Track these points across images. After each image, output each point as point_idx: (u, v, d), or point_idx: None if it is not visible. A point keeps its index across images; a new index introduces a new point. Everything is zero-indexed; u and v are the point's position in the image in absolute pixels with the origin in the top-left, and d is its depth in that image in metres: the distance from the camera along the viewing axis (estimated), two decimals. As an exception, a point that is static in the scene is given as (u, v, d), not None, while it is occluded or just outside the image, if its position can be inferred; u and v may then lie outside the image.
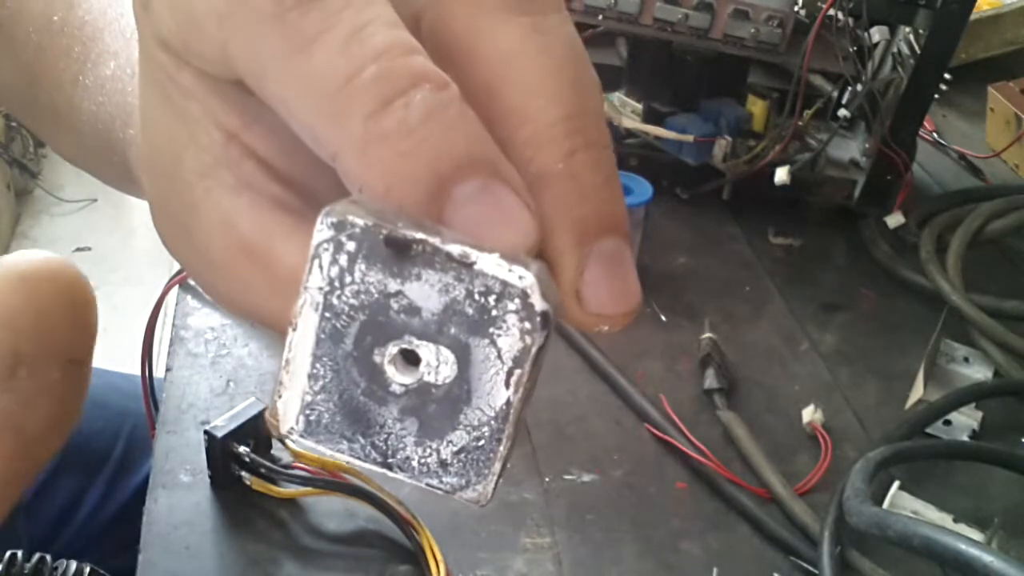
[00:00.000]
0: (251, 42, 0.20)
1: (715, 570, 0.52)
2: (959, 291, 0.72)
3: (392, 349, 0.19)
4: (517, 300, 0.18)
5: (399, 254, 0.18)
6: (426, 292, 0.18)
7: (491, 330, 0.18)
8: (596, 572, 0.51)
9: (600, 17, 0.78)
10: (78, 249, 2.35)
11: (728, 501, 0.56)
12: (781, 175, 0.79)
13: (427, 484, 0.19)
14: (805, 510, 0.54)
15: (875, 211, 0.83)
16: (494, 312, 0.18)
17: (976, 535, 0.52)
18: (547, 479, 0.55)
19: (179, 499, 0.52)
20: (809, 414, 0.62)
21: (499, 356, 0.18)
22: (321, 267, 0.18)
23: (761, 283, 0.77)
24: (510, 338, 0.18)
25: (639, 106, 0.84)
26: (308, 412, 0.19)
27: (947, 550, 0.42)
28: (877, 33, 0.79)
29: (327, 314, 0.19)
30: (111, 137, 0.36)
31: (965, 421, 0.63)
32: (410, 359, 0.19)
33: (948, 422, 0.63)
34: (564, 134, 0.20)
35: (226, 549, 0.50)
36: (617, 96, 0.86)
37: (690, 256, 0.79)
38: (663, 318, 0.71)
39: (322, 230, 0.18)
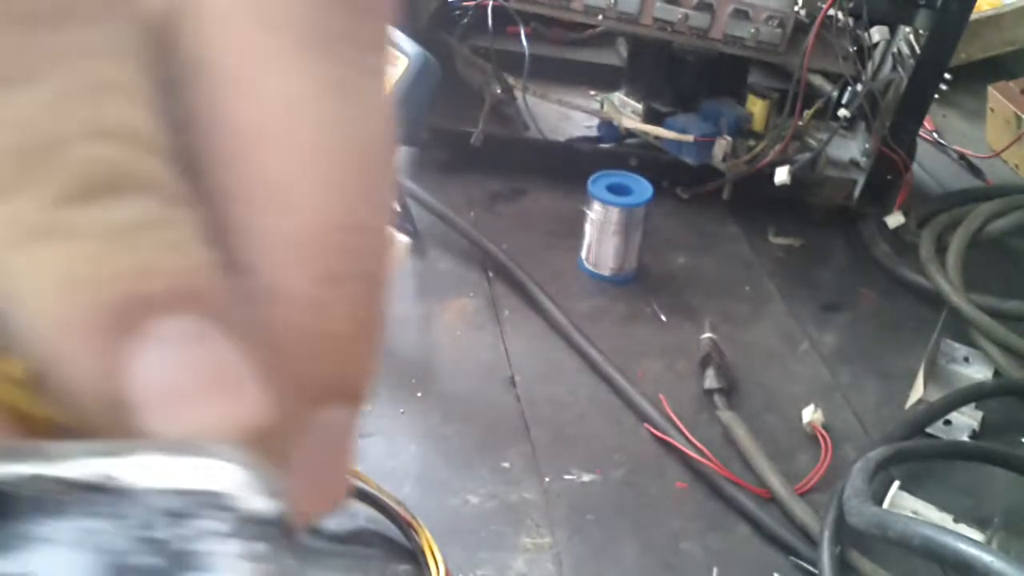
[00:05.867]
0: None
1: (715, 570, 0.52)
2: (959, 291, 0.72)
3: None
4: (222, 514, 0.11)
5: None
6: (56, 561, 0.10)
7: None
8: (596, 572, 0.51)
9: (600, 17, 0.78)
10: (78, 249, 2.35)
11: (728, 501, 0.56)
12: (781, 175, 0.79)
13: None
14: (805, 510, 0.54)
15: (875, 211, 0.83)
16: (190, 548, 0.11)
17: (976, 535, 0.52)
18: (547, 479, 0.55)
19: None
20: (809, 414, 0.62)
21: None
22: None
23: (761, 283, 0.77)
24: None
25: (639, 106, 0.84)
26: None
27: (947, 550, 0.42)
28: (877, 33, 0.79)
29: None
30: None
31: (965, 421, 0.63)
32: None
33: (948, 422, 0.63)
34: (320, 251, 0.13)
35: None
36: (617, 96, 0.87)
37: (690, 256, 0.79)
38: (663, 318, 0.71)
39: None
